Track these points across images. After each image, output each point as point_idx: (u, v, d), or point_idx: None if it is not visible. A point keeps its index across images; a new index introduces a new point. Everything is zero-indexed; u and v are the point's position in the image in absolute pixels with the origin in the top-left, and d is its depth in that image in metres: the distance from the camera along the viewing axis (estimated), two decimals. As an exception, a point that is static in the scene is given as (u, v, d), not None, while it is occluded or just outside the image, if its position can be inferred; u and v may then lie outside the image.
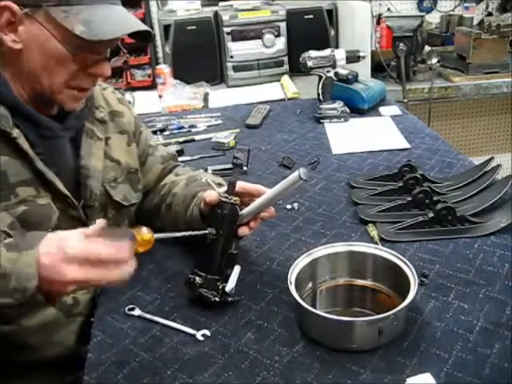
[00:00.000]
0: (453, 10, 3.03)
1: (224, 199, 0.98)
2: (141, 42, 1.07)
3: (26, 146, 0.94)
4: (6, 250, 0.78)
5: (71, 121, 1.03)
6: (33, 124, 0.96)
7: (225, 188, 1.01)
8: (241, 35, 2.53)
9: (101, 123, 1.11)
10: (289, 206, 1.34)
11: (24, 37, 0.90)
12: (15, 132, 0.93)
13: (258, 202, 1.01)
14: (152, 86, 2.64)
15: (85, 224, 1.03)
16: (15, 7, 0.88)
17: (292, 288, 0.91)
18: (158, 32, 2.69)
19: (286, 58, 2.60)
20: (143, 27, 0.95)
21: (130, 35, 0.96)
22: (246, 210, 1.01)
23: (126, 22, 0.95)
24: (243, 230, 1.02)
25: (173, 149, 1.54)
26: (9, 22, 0.89)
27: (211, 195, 0.99)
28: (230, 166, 1.51)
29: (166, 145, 1.66)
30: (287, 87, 2.41)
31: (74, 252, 0.75)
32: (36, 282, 0.75)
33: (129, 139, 1.18)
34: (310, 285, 1.00)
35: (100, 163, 1.08)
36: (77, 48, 0.90)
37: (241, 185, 1.03)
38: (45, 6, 0.88)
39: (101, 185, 1.08)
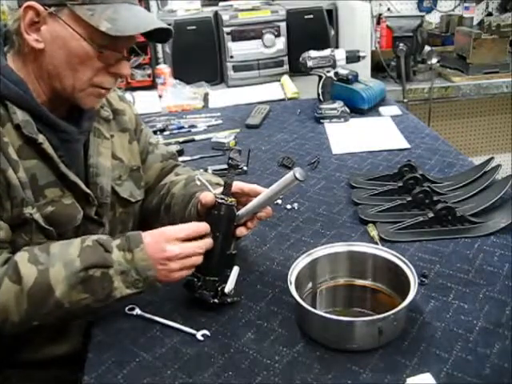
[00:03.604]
0: (453, 10, 3.03)
1: (220, 200, 0.98)
2: (159, 41, 1.11)
3: (50, 150, 0.97)
4: (117, 250, 0.92)
5: (85, 124, 1.05)
6: (53, 129, 0.99)
7: (221, 189, 1.01)
8: (241, 35, 2.53)
9: (106, 122, 1.12)
10: (289, 206, 1.34)
11: (46, 36, 0.92)
12: (40, 138, 0.96)
13: (254, 202, 1.01)
14: (152, 86, 2.63)
15: (97, 222, 1.06)
16: (39, 7, 0.90)
17: (292, 288, 0.91)
18: (158, 32, 2.69)
19: (286, 58, 2.60)
20: (163, 25, 0.98)
21: (149, 37, 0.98)
22: (242, 211, 1.01)
23: (148, 19, 0.98)
24: (241, 231, 1.02)
25: (173, 148, 1.54)
26: (32, 21, 0.92)
27: (207, 197, 0.99)
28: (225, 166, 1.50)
29: (166, 145, 1.65)
30: (287, 87, 2.41)
31: (171, 233, 0.94)
32: (155, 271, 0.91)
33: (130, 137, 1.18)
34: (310, 285, 1.00)
35: (108, 162, 1.10)
36: (100, 45, 0.93)
37: (237, 185, 1.03)
38: (69, 5, 0.90)
39: (110, 183, 1.09)
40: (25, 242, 0.94)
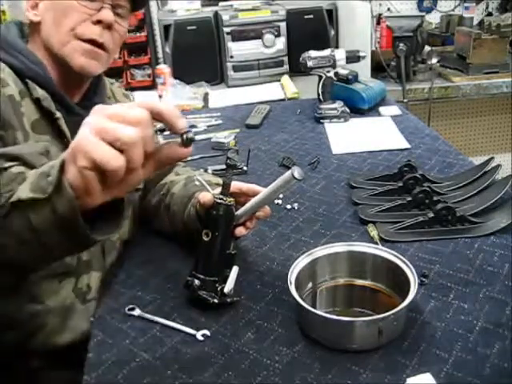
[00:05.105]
0: (453, 10, 3.03)
1: (219, 200, 0.98)
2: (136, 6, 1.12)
3: (65, 127, 0.99)
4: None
5: None
6: (69, 112, 1.02)
7: (220, 189, 1.01)
8: (241, 35, 2.53)
9: None
10: (289, 206, 1.34)
11: (42, 10, 1.02)
12: (58, 113, 0.98)
13: (252, 201, 1.01)
14: (152, 86, 2.64)
15: None
16: None
17: (292, 288, 0.91)
18: (158, 32, 2.69)
19: (286, 58, 2.60)
20: None
21: None
22: (241, 211, 1.01)
23: None
24: (240, 230, 1.02)
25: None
26: (34, 3, 1.02)
27: (205, 197, 1.00)
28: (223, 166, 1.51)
29: (165, 145, 1.66)
30: (287, 87, 2.41)
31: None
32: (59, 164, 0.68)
33: None
34: (310, 285, 1.00)
35: None
36: None
37: (235, 185, 1.03)
38: None
39: None
40: None
